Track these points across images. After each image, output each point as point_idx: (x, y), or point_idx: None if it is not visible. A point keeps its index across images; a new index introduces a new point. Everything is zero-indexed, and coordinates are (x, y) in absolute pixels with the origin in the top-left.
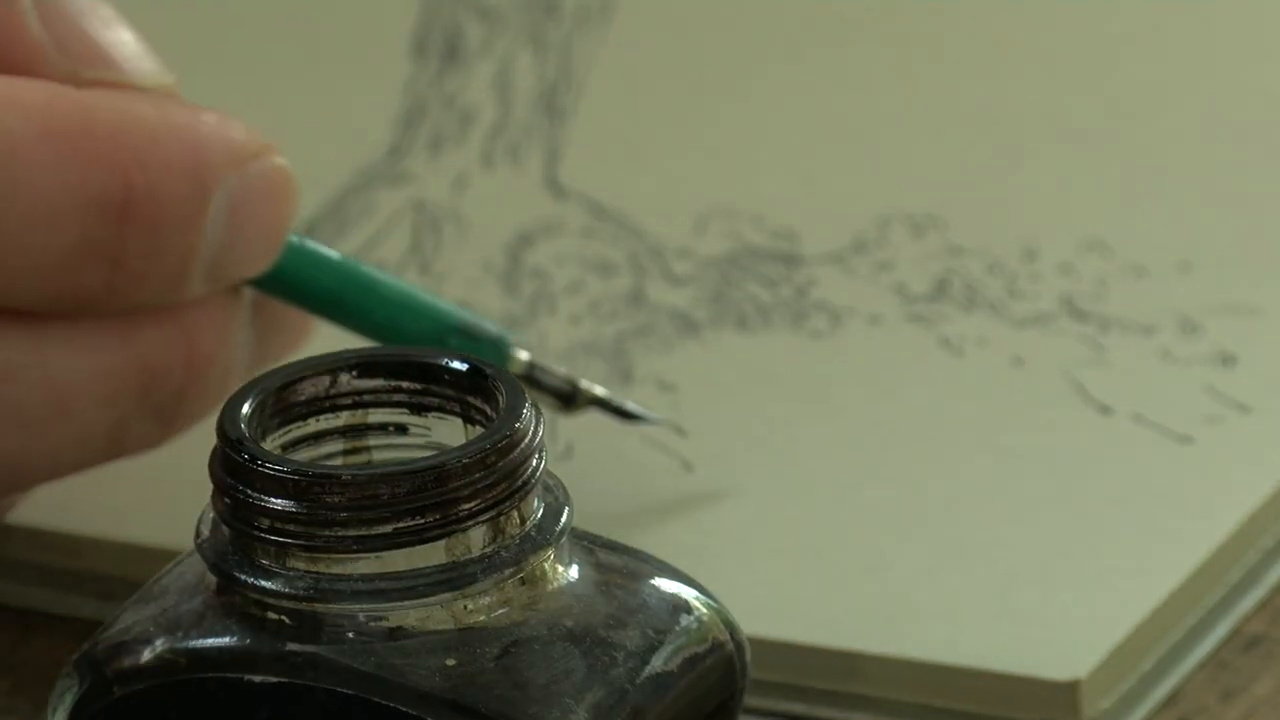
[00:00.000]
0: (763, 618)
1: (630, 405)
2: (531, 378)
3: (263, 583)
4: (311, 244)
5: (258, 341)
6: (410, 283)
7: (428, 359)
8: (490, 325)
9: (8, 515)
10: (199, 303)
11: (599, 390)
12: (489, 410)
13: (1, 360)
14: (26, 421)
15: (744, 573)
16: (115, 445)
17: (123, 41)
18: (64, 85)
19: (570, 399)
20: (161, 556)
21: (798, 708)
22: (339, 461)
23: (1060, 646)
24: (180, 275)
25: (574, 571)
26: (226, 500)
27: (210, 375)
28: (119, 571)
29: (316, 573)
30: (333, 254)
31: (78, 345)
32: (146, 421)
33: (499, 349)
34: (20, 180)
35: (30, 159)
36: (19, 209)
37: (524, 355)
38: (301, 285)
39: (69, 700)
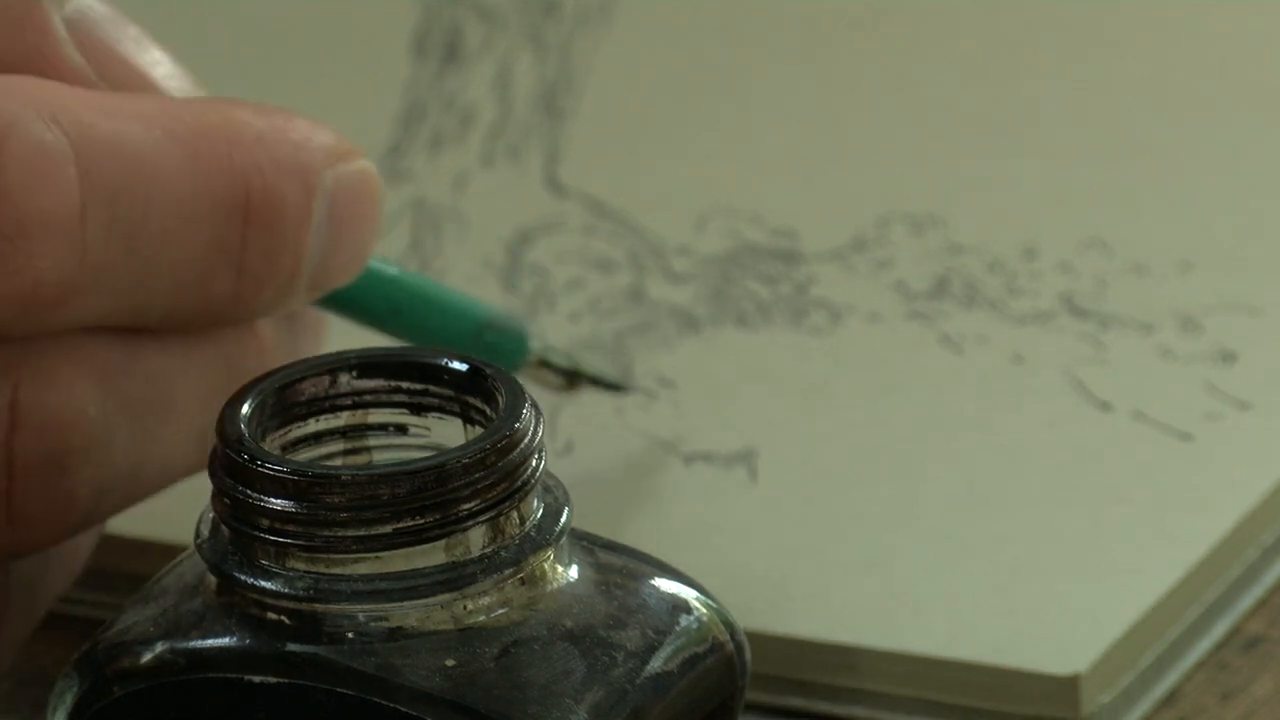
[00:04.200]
0: (763, 612)
1: (608, 376)
2: (545, 362)
3: (263, 583)
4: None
5: (291, 339)
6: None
7: (427, 359)
8: (509, 317)
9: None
10: None
11: (588, 366)
12: (489, 410)
13: (103, 359)
14: (138, 418)
15: (744, 567)
16: (205, 448)
17: (157, 61)
18: (169, 95)
19: (572, 378)
20: (162, 550)
21: (797, 702)
22: (339, 462)
23: (1060, 641)
24: (291, 281)
25: (574, 571)
26: (226, 500)
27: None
28: (121, 566)
29: (316, 573)
30: (388, 267)
31: (169, 344)
32: None
33: (522, 337)
34: (155, 187)
35: (159, 166)
36: (154, 219)
37: (536, 344)
38: (362, 301)
39: (69, 700)
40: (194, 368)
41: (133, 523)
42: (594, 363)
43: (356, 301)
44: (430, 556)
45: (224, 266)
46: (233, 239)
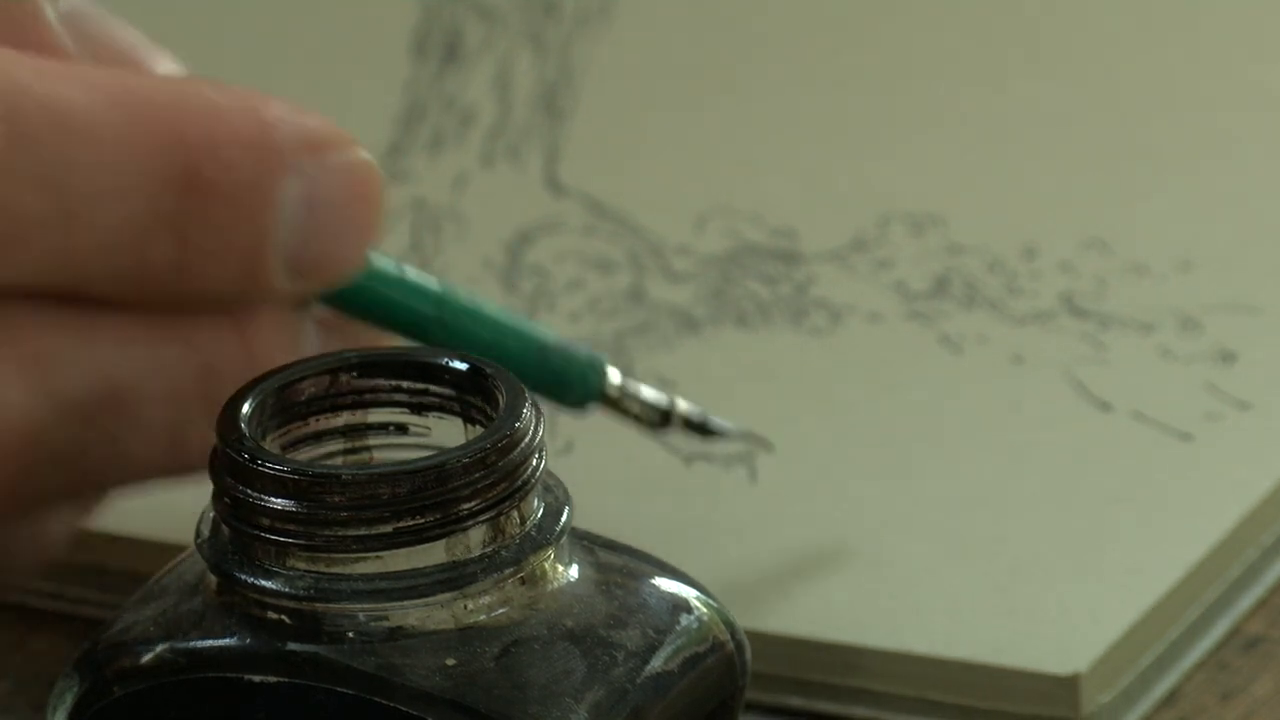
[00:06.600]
0: (763, 612)
1: (717, 422)
2: (623, 398)
3: (263, 583)
4: (412, 273)
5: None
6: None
7: (427, 359)
8: (581, 345)
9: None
10: (258, 310)
11: (683, 406)
12: (489, 410)
13: (48, 346)
14: (83, 413)
15: (745, 568)
16: (179, 450)
17: (154, 57)
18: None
19: (661, 422)
20: (162, 550)
21: (797, 702)
22: (339, 461)
23: (1060, 641)
24: (255, 262)
25: (574, 571)
26: (226, 500)
27: None
28: (121, 566)
29: (316, 573)
30: (433, 283)
31: (131, 337)
32: (209, 426)
33: (594, 366)
34: (84, 150)
35: (92, 129)
36: (84, 179)
37: (617, 378)
38: (403, 313)
39: (69, 700)
40: (159, 364)
41: (133, 522)
42: (689, 402)
43: (395, 307)
44: (430, 556)
45: (162, 234)
46: (172, 207)
